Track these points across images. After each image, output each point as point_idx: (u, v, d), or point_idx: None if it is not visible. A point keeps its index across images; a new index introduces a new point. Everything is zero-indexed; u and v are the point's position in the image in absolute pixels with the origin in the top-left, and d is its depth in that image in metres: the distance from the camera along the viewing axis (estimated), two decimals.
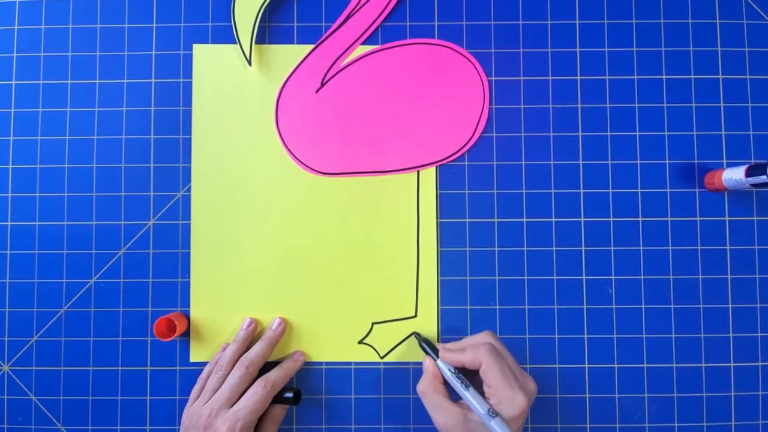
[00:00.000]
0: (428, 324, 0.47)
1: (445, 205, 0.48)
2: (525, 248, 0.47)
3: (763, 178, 0.41)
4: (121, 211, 0.48)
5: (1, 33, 0.49)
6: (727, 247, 0.47)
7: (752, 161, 0.46)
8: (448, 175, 0.48)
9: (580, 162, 0.48)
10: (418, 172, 0.48)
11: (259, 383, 0.42)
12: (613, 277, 0.47)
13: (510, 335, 0.47)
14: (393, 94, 0.48)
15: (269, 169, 0.48)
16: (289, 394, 0.44)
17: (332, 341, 0.47)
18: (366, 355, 0.47)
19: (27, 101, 0.48)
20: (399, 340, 0.47)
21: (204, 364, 0.46)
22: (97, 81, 0.48)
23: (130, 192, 0.48)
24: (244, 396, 0.42)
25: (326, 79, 0.48)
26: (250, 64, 0.47)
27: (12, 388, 0.47)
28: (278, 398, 0.44)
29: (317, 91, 0.48)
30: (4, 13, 0.49)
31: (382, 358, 0.47)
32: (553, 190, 0.47)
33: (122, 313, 0.47)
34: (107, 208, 0.48)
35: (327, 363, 0.47)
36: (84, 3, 0.49)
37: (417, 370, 0.47)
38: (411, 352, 0.47)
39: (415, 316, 0.47)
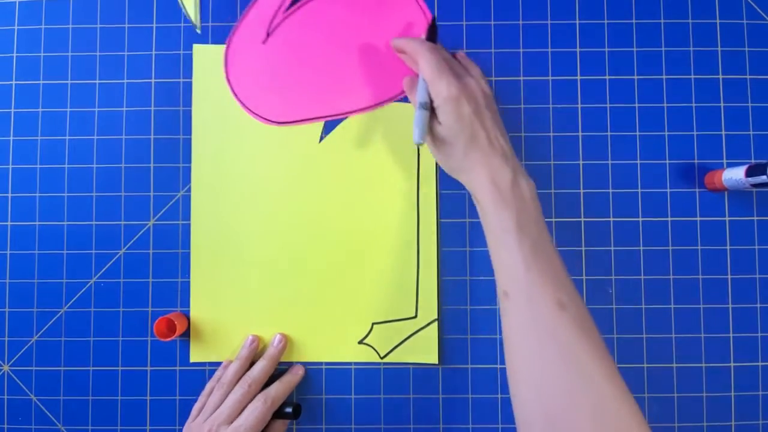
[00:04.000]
0: (428, 324, 0.47)
1: (445, 205, 0.48)
2: None
3: (763, 178, 0.41)
4: (121, 211, 0.48)
5: (1, 33, 0.49)
6: (727, 247, 0.47)
7: (752, 161, 0.46)
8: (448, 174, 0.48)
9: (580, 162, 0.47)
10: (417, 172, 0.47)
11: (259, 399, 0.42)
12: (613, 277, 0.47)
13: None
14: (341, 37, 0.48)
15: (269, 170, 0.48)
16: (289, 409, 0.44)
17: (332, 341, 0.47)
18: (366, 356, 0.47)
19: (27, 101, 0.48)
20: (399, 341, 0.47)
21: (204, 364, 0.46)
22: (97, 81, 0.48)
23: (130, 192, 0.48)
24: (243, 412, 0.42)
25: (271, 29, 0.48)
26: (199, 31, 0.48)
27: (12, 388, 0.47)
28: (278, 413, 0.44)
29: (264, 42, 0.48)
30: (4, 13, 0.49)
31: (382, 358, 0.47)
32: (553, 190, 0.47)
33: (122, 313, 0.47)
34: (107, 208, 0.48)
35: (327, 363, 0.47)
36: (84, 3, 0.49)
37: (417, 371, 0.47)
38: (412, 353, 0.47)
39: (416, 316, 0.47)
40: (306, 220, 0.47)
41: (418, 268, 0.47)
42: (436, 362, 0.46)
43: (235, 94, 0.48)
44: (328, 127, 0.48)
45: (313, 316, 0.47)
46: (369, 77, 0.48)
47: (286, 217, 0.47)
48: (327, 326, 0.47)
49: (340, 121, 0.48)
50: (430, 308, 0.47)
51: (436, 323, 0.47)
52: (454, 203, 0.47)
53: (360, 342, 0.47)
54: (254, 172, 0.48)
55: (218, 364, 0.47)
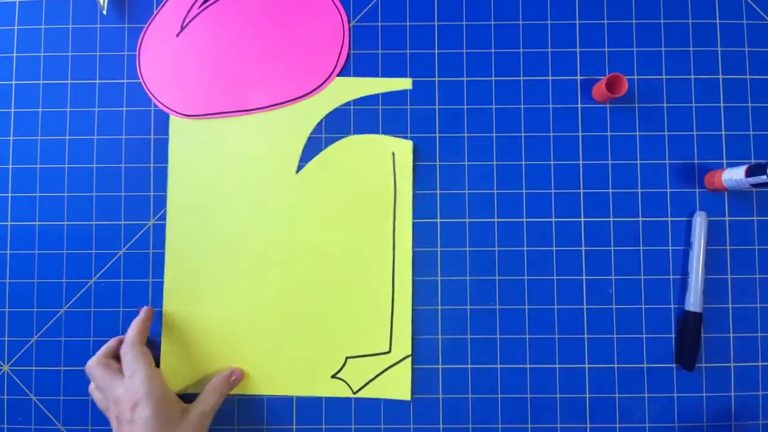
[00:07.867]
0: (402, 360, 0.46)
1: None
2: (525, 248, 0.47)
3: (763, 178, 0.41)
4: (121, 211, 0.48)
5: (1, 33, 0.49)
6: (727, 247, 0.47)
7: (752, 161, 0.46)
8: (447, 175, 0.48)
9: (580, 162, 0.48)
10: (394, 202, 0.47)
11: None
12: (613, 277, 0.47)
13: (510, 335, 0.47)
14: (253, 34, 0.48)
15: (244, 202, 0.47)
16: None
17: (305, 375, 0.46)
18: (339, 390, 0.46)
19: (27, 101, 0.48)
20: (372, 376, 0.46)
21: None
22: (97, 81, 0.48)
23: (130, 192, 0.48)
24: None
25: (186, 22, 0.48)
26: (105, 12, 0.48)
27: (12, 388, 0.47)
28: None
29: (178, 35, 0.48)
30: (4, 13, 0.49)
31: (355, 393, 0.46)
32: (553, 190, 0.47)
33: (122, 313, 0.47)
34: (107, 208, 0.48)
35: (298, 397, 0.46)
36: (84, 3, 0.49)
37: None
38: (384, 388, 0.46)
39: (389, 351, 0.46)
40: (280, 253, 0.47)
41: (393, 300, 0.46)
42: (409, 398, 0.46)
43: (146, 85, 0.48)
44: (305, 158, 0.48)
45: (286, 348, 0.46)
46: (279, 74, 0.48)
47: (260, 249, 0.47)
48: (300, 359, 0.46)
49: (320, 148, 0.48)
50: (403, 343, 0.46)
51: (409, 359, 0.46)
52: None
53: (333, 376, 0.46)
54: (229, 203, 0.47)
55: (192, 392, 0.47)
